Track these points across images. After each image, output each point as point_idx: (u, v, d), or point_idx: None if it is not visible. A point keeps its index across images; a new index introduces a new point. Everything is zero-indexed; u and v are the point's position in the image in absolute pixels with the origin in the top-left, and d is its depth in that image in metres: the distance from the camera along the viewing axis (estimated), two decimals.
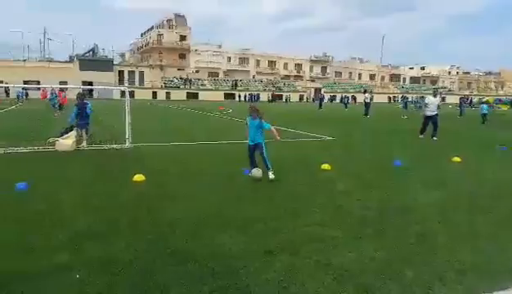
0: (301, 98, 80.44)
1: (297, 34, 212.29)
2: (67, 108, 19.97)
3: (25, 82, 48.79)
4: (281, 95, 75.01)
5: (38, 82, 49.69)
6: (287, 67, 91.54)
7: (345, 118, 27.08)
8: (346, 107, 43.91)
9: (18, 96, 42.22)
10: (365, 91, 32.24)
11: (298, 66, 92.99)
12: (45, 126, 12.92)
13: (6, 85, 26.32)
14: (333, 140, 13.83)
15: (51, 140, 10.80)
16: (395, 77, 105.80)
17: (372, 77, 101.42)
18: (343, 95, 65.58)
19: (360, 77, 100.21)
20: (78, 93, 11.72)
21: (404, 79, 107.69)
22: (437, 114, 14.56)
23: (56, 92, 24.46)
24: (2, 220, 4.76)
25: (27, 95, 45.55)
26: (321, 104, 41.51)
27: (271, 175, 7.09)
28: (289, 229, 4.67)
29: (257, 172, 7.14)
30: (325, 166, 8.30)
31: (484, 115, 23.76)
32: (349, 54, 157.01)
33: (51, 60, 68.24)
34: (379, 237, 4.54)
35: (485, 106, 25.06)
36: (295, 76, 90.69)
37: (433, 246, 4.30)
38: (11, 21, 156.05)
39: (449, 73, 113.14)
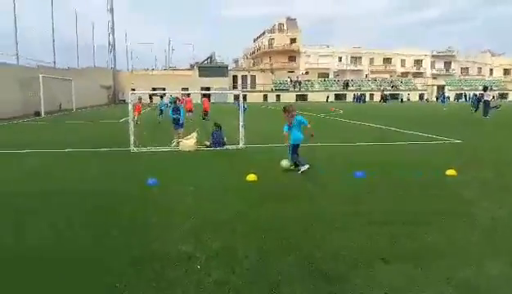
0: (421, 97, 74.70)
1: (414, 28, 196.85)
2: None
3: (153, 89, 55.27)
4: (396, 94, 70.66)
5: (164, 89, 55.78)
6: (404, 64, 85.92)
7: (474, 119, 24.24)
8: (475, 107, 39.21)
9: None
10: (485, 89, 26.95)
11: (418, 62, 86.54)
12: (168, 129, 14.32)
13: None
14: (459, 144, 12.51)
15: (175, 141, 11.96)
16: None
17: (507, 72, 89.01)
18: (471, 93, 58.69)
19: (491, 73, 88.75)
20: (173, 98, 13.81)
21: None
22: None
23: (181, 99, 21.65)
24: (139, 211, 5.39)
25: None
26: (443, 101, 37.88)
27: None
28: (407, 237, 4.35)
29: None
30: (451, 171, 7.55)
31: None
32: (478, 47, 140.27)
33: (174, 69, 75.68)
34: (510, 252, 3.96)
35: None
36: (414, 73, 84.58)
37: None
38: (139, 33, 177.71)
39: None
